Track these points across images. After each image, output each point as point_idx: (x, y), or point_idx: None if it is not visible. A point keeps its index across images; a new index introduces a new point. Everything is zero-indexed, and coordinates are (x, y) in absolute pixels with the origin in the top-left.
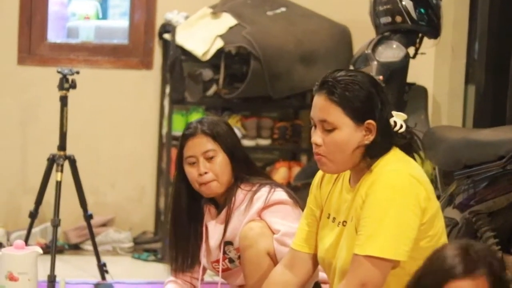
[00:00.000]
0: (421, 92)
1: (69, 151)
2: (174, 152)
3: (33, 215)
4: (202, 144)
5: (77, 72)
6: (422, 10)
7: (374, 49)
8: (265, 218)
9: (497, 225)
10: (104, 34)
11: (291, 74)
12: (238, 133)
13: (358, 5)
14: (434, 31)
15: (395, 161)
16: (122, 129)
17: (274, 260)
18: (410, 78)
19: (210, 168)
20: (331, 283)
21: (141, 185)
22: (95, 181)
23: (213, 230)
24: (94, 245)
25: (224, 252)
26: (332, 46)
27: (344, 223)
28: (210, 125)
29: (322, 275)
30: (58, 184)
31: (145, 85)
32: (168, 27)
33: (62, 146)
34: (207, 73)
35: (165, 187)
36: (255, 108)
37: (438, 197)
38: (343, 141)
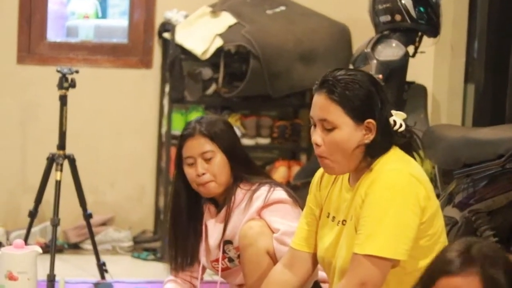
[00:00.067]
0: (421, 90)
1: (68, 150)
2: (173, 151)
3: (33, 214)
4: (199, 145)
5: (77, 71)
6: (422, 9)
7: (373, 47)
8: (265, 217)
9: (497, 224)
10: (103, 33)
11: (290, 73)
12: (238, 132)
13: (358, 4)
14: (433, 29)
15: (394, 160)
16: (121, 128)
17: (273, 259)
18: (409, 77)
19: (207, 169)
20: (330, 282)
21: (140, 184)
22: (95, 180)
23: (213, 229)
24: (94, 244)
25: (224, 251)
26: (332, 45)
27: (344, 222)
28: (208, 125)
29: (321, 274)
30: (58, 183)
31: (144, 84)
32: (167, 26)
33: (61, 145)
34: (207, 72)
35: (165, 186)
36: (254, 107)
37: (438, 196)
38: (343, 140)
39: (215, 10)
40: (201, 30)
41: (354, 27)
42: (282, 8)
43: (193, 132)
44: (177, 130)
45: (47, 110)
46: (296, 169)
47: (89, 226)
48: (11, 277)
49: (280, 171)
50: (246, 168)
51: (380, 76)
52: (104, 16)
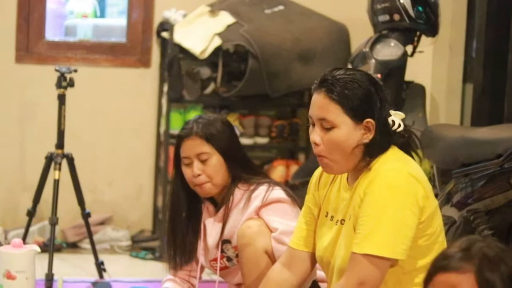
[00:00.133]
0: (419, 90)
1: (67, 149)
2: (172, 150)
3: (31, 213)
4: (195, 147)
5: (75, 71)
6: (420, 8)
7: (372, 47)
8: (263, 217)
9: (495, 223)
10: (102, 33)
11: (289, 72)
12: (236, 131)
13: (356, 3)
14: (432, 29)
15: (393, 159)
16: (120, 127)
17: (272, 258)
18: (408, 76)
19: (203, 170)
20: (329, 282)
21: (139, 184)
22: (93, 180)
23: (211, 228)
24: (92, 244)
25: (222, 251)
26: (330, 45)
27: (342, 221)
28: (204, 126)
29: (320, 273)
30: (56, 183)
31: (143, 84)
32: (166, 25)
33: (60, 144)
34: (205, 71)
35: (163, 186)
36: (253, 106)
37: (436, 196)
38: (342, 140)
39: (214, 10)
40: (199, 30)
41: (353, 27)
42: (281, 7)
43: (190, 133)
44: (175, 129)
45: (46, 109)
46: (294, 168)
47: (87, 225)
48: (9, 276)
49: (278, 171)
50: (244, 168)
51: (379, 75)
52: (102, 15)
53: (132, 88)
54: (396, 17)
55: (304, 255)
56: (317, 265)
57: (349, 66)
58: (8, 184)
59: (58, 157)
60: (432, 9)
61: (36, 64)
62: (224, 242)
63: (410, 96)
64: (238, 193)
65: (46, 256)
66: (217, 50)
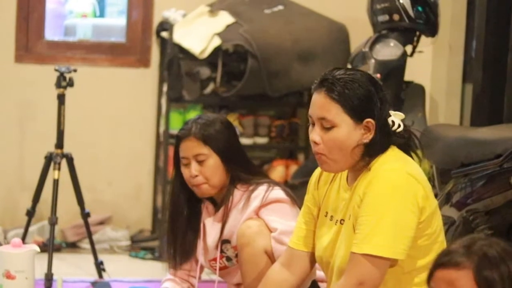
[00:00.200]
0: (419, 90)
1: (66, 149)
2: (171, 150)
3: (30, 213)
4: (193, 148)
5: (75, 70)
6: (420, 8)
7: (371, 47)
8: (263, 217)
9: (494, 223)
10: (101, 32)
11: (288, 72)
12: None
13: (356, 3)
14: (431, 29)
15: (393, 159)
16: (119, 127)
17: (271, 258)
18: (407, 76)
19: (200, 171)
20: (328, 282)
21: (138, 183)
22: (93, 179)
23: (211, 228)
24: (92, 243)
25: (222, 251)
26: (330, 45)
27: (342, 221)
28: (203, 127)
29: (319, 273)
30: (56, 182)
31: (142, 83)
32: (165, 25)
33: (59, 144)
34: (205, 71)
35: (163, 186)
36: (252, 106)
37: (436, 196)
38: (342, 139)
39: (213, 10)
40: (199, 29)
41: (352, 27)
42: (280, 7)
43: (188, 134)
44: (175, 129)
45: (45, 109)
46: (294, 168)
47: (87, 225)
48: (8, 276)
49: (278, 171)
50: (243, 168)
51: (378, 75)
52: (102, 15)
53: (132, 88)
54: (396, 17)
55: (304, 255)
56: (317, 265)
57: (349, 66)
58: (7, 184)
59: (58, 156)
60: (431, 9)
61: (36, 63)
62: (223, 242)
63: (410, 96)
64: (238, 193)
65: (45, 256)
66: (217, 50)
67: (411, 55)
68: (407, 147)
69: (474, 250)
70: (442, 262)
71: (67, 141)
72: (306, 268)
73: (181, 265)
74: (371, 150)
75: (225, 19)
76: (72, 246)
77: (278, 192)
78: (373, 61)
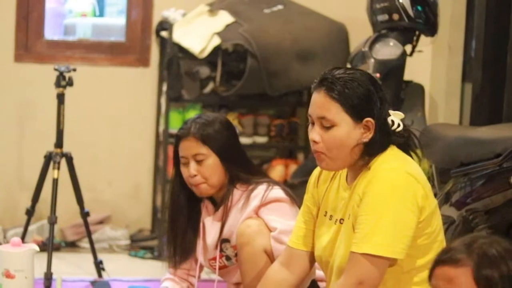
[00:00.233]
0: (418, 89)
1: (66, 148)
2: (171, 149)
3: (30, 212)
4: (191, 148)
5: (74, 70)
6: (419, 8)
7: (371, 47)
8: (262, 216)
9: (494, 223)
10: (101, 32)
11: (288, 71)
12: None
13: (355, 3)
14: (431, 28)
15: (392, 159)
16: (119, 126)
17: (271, 257)
18: (407, 76)
19: (199, 170)
20: (328, 281)
21: (138, 183)
22: (92, 179)
23: (210, 227)
24: (91, 243)
25: (221, 250)
26: (329, 44)
27: (341, 221)
28: (202, 127)
29: (319, 273)
30: (55, 182)
31: (142, 83)
32: (165, 25)
33: (59, 143)
34: (204, 71)
35: (162, 185)
36: (252, 105)
37: (435, 195)
38: (341, 138)
39: (213, 9)
40: (198, 29)
41: (352, 26)
42: (280, 7)
43: (187, 134)
44: (174, 129)
45: (45, 108)
46: (293, 167)
47: (86, 224)
48: (8, 275)
49: (277, 170)
50: (243, 167)
51: (378, 75)
52: (101, 14)
53: (131, 87)
54: (395, 16)
55: (303, 254)
56: (316, 264)
57: (348, 65)
58: (7, 183)
59: (57, 156)
60: (431, 8)
61: (35, 63)
62: (223, 241)
63: (409, 95)
64: (237, 193)
65: (45, 255)
66: (216, 49)
67: (411, 54)
68: (406, 147)
69: (474, 248)
70: (442, 259)
71: (66, 140)
72: (306, 267)
73: (181, 264)
74: (371, 149)
75: (224, 18)
76: (72, 245)
77: (277, 192)
78: (372, 60)
